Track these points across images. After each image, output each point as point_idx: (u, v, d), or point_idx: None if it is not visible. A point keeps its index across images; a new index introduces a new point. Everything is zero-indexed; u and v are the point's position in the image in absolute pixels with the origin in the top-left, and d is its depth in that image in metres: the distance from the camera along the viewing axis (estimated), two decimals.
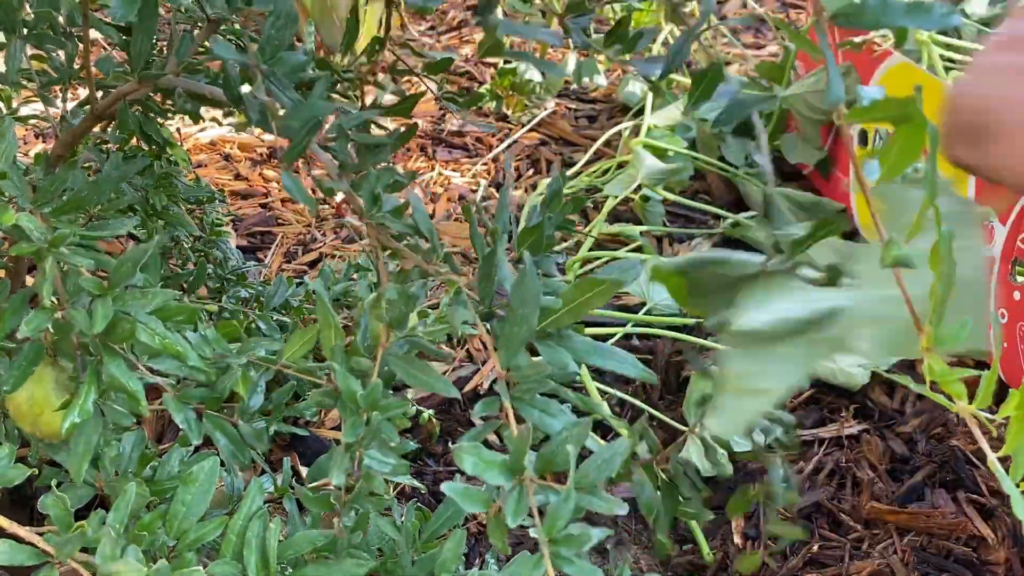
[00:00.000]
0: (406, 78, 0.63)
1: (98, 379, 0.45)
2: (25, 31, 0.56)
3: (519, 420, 0.41)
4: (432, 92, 0.64)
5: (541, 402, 0.42)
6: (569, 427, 0.39)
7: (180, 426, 0.51)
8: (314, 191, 1.39)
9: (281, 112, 0.43)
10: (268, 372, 0.54)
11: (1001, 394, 0.31)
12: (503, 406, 0.41)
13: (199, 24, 0.51)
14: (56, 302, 0.44)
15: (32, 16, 0.56)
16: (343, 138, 0.45)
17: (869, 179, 0.25)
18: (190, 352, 0.46)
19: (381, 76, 0.61)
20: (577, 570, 0.37)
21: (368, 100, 0.60)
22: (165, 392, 0.51)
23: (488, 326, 0.43)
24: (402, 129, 0.51)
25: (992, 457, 0.27)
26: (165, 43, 0.57)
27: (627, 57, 0.47)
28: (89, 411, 0.45)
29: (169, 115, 0.70)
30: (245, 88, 0.45)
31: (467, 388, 0.97)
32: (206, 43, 0.52)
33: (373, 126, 0.52)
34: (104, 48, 1.37)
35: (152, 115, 0.69)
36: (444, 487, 0.38)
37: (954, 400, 0.28)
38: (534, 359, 0.43)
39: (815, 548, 0.79)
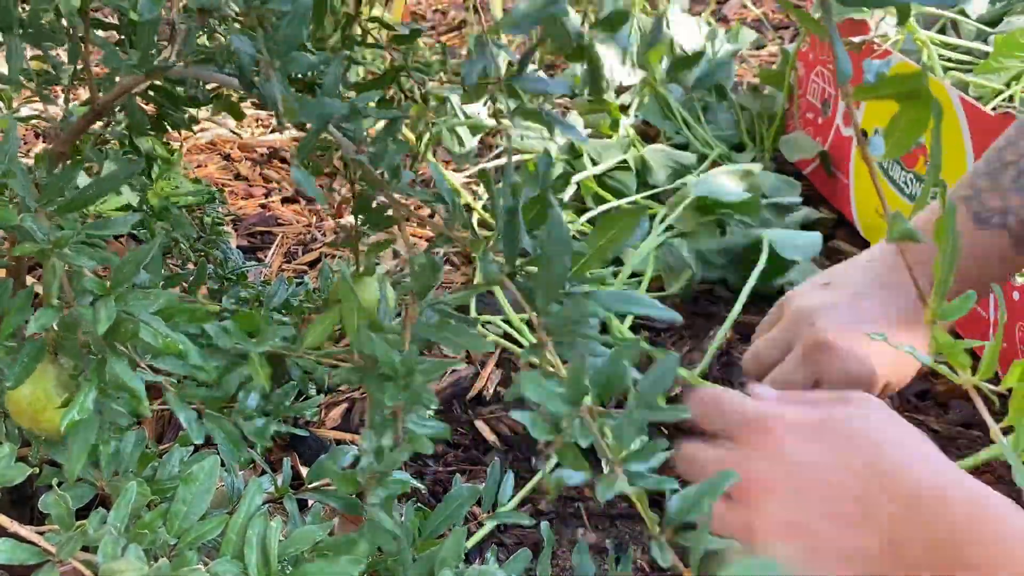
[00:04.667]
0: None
1: (99, 378, 0.45)
2: (21, 30, 0.56)
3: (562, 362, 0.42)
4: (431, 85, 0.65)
5: (581, 344, 0.42)
6: (620, 349, 0.40)
7: (183, 424, 0.52)
8: (322, 186, 1.39)
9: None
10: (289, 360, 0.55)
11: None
12: (545, 351, 0.41)
13: (191, 15, 0.52)
14: (61, 301, 0.44)
15: (27, 13, 0.56)
16: (356, 116, 0.46)
17: (874, 155, 0.25)
18: (192, 351, 0.46)
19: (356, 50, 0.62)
20: (650, 483, 0.38)
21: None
22: (167, 391, 0.51)
23: (516, 282, 0.44)
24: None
25: (995, 428, 0.28)
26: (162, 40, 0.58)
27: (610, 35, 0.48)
28: (89, 409, 0.45)
29: (168, 124, 0.70)
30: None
31: (470, 394, 0.96)
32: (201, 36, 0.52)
33: None
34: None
35: (148, 127, 0.69)
36: (514, 414, 0.39)
37: (958, 372, 0.28)
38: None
39: None
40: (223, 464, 0.54)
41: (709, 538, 0.36)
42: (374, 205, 0.54)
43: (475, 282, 1.13)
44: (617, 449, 0.38)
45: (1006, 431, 0.28)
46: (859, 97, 0.25)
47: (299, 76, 0.64)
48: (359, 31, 0.63)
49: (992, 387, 0.28)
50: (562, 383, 0.39)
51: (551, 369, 0.41)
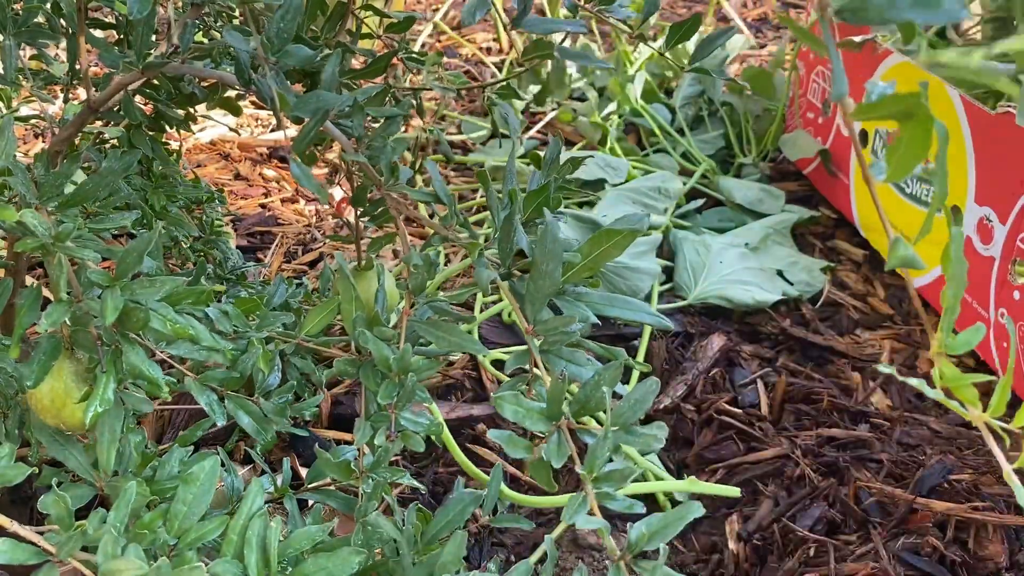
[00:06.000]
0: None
1: (116, 368, 0.45)
2: (15, 29, 0.56)
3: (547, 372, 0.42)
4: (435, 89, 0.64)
5: (568, 353, 0.43)
6: (600, 371, 0.40)
7: (204, 408, 0.52)
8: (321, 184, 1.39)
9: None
10: (289, 346, 0.55)
11: (1013, 401, 0.30)
12: (533, 359, 0.42)
13: (185, 11, 0.51)
14: (70, 296, 0.44)
15: (22, 13, 0.56)
16: (358, 112, 0.45)
17: (875, 178, 0.25)
18: (203, 333, 0.46)
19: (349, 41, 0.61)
20: (619, 505, 0.39)
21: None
22: (187, 376, 0.51)
23: (509, 285, 0.44)
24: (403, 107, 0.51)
25: (1008, 468, 0.26)
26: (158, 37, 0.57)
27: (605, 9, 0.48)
28: (110, 400, 0.45)
29: (168, 125, 0.70)
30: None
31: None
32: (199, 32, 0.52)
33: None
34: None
35: (145, 127, 0.69)
36: (490, 434, 0.40)
37: (967, 407, 0.27)
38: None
39: (811, 551, 0.79)
40: (223, 464, 0.54)
41: (666, 570, 0.36)
42: (372, 200, 0.54)
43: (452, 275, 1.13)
44: (591, 467, 0.38)
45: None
46: (858, 117, 0.24)
47: (299, 70, 0.64)
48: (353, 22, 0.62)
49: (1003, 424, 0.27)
50: (542, 399, 0.40)
51: (538, 374, 0.41)
